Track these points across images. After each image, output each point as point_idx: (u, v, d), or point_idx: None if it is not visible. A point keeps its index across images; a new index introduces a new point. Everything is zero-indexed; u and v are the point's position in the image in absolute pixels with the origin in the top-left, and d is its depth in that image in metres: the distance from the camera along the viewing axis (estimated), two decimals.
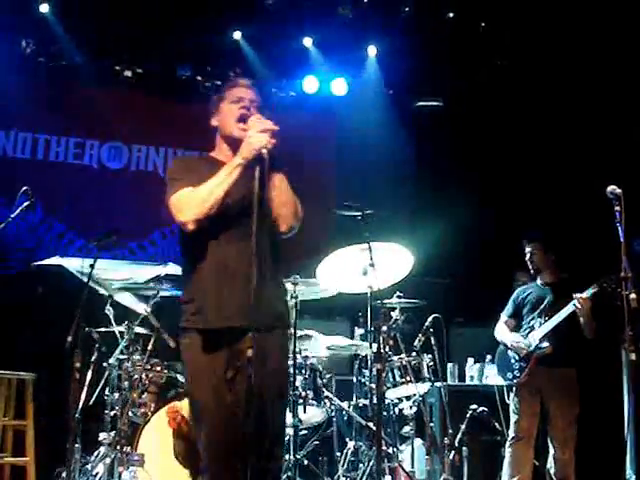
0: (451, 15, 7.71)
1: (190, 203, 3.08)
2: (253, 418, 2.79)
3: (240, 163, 3.08)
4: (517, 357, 5.41)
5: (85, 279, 4.78)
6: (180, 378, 4.96)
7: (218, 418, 3.04)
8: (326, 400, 5.24)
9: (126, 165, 8.21)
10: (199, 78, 8.18)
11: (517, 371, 5.39)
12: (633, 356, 3.43)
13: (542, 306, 5.41)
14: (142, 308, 5.17)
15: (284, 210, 3.17)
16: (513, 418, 5.42)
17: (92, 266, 4.80)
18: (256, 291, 2.89)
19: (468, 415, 5.68)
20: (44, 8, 7.35)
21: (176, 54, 7.99)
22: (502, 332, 5.62)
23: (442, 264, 7.44)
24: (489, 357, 6.54)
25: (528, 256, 5.55)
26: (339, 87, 8.26)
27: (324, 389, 5.26)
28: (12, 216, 5.64)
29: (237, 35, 7.81)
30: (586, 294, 5.13)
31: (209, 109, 3.43)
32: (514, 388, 5.44)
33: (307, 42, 7.97)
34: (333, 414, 5.33)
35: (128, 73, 7.96)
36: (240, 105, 3.29)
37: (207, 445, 3.07)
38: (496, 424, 5.63)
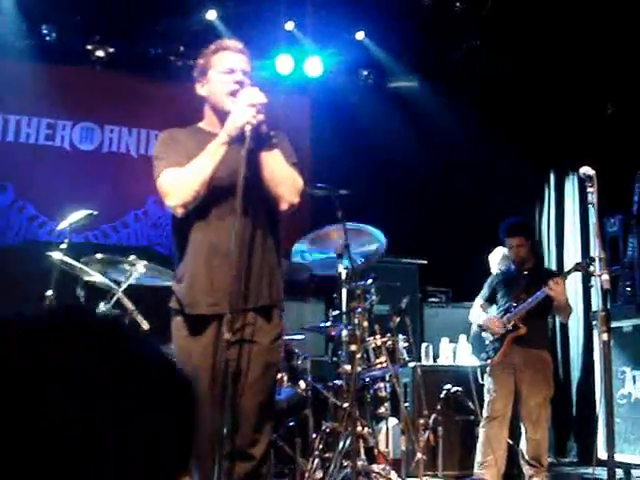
0: None
1: (176, 187, 2.97)
2: (230, 408, 2.76)
3: (224, 141, 2.96)
4: (491, 337, 5.45)
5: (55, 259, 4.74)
6: None
7: (200, 404, 2.96)
8: (300, 381, 5.24)
9: (98, 146, 8.10)
10: (172, 58, 8.08)
11: (491, 351, 5.44)
12: (605, 336, 3.45)
13: (517, 290, 5.46)
14: (115, 289, 5.11)
15: (281, 188, 3.04)
16: (487, 398, 5.47)
17: (64, 247, 4.76)
18: (240, 273, 2.86)
19: (443, 395, 5.72)
20: None
21: (149, 33, 7.86)
22: (477, 314, 5.67)
23: (417, 245, 7.44)
24: (463, 337, 6.58)
25: (513, 249, 5.56)
26: (314, 67, 8.14)
27: (298, 370, 5.24)
28: None
29: (212, 14, 7.67)
30: (559, 278, 5.18)
31: (193, 75, 3.25)
32: (488, 368, 5.49)
33: (287, 24, 7.85)
34: (308, 395, 5.32)
35: (100, 52, 7.83)
36: (232, 78, 3.11)
37: None
38: (470, 404, 5.67)
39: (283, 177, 3.06)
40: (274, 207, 3.10)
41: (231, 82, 3.11)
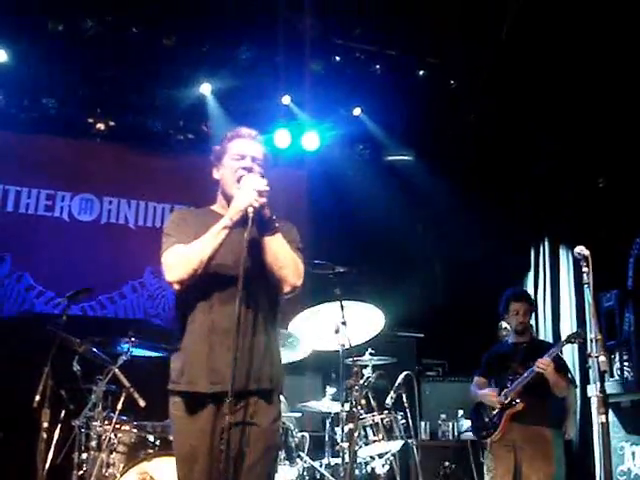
0: (421, 73, 7.83)
1: (176, 263, 3.04)
2: None
3: (226, 225, 3.02)
4: (490, 414, 5.41)
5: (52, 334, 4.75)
6: (150, 438, 4.88)
7: None
8: (298, 460, 5.18)
9: (97, 217, 8.17)
10: (171, 131, 8.22)
11: (491, 428, 5.38)
12: (603, 418, 3.45)
13: (513, 364, 5.45)
14: (111, 364, 5.10)
15: (284, 272, 3.10)
16: (487, 476, 5.40)
17: (62, 323, 4.78)
18: (242, 355, 2.87)
19: (441, 473, 5.65)
20: (2, 57, 7.19)
21: (149, 107, 8.01)
22: (475, 390, 5.64)
23: (415, 320, 7.45)
24: (461, 412, 6.54)
25: (515, 314, 5.57)
26: (311, 141, 8.27)
27: (295, 448, 5.19)
28: None
29: (206, 89, 7.80)
30: (547, 356, 5.18)
31: (211, 160, 3.33)
32: (488, 445, 5.43)
33: (284, 99, 8.00)
34: (304, 473, 5.26)
35: (101, 125, 7.97)
36: (241, 164, 3.21)
37: None
38: None
39: (285, 261, 3.11)
40: (276, 290, 3.15)
41: (239, 168, 3.20)
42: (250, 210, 2.99)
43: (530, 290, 7.87)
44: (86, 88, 7.80)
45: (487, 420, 5.43)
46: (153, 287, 8.01)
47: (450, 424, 6.63)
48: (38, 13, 6.97)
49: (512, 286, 5.96)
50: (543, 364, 5.13)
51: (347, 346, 4.76)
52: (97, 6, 6.96)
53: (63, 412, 5.06)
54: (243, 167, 3.20)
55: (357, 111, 8.16)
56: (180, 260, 3.03)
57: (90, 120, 7.98)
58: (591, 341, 3.76)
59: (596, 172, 7.52)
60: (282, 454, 5.03)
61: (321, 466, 5.38)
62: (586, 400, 6.82)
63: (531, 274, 8.17)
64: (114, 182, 8.17)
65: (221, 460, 2.83)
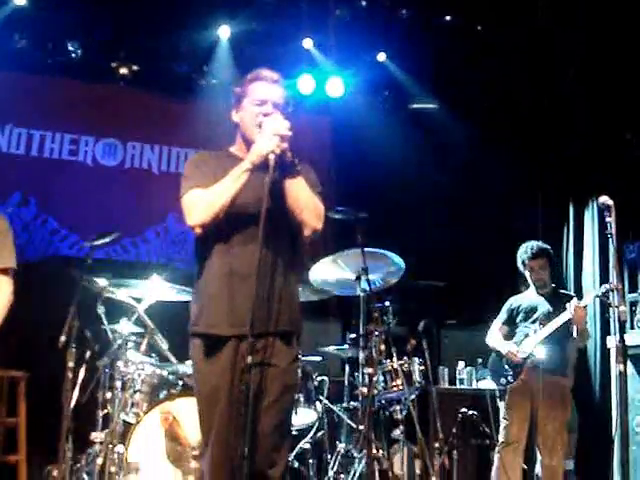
0: (448, 18, 7.70)
1: (197, 207, 3.05)
2: (249, 431, 2.80)
3: (247, 168, 3.03)
4: (510, 363, 5.45)
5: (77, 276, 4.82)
6: (172, 379, 4.97)
7: (219, 426, 3.00)
8: (317, 402, 5.26)
9: (121, 162, 8.18)
10: (195, 76, 8.17)
11: (510, 376, 5.42)
12: (621, 368, 3.47)
13: (536, 315, 5.47)
14: (135, 307, 5.18)
15: (305, 215, 3.11)
16: (503, 423, 5.47)
17: (87, 265, 4.84)
18: (259, 298, 2.90)
19: (459, 419, 5.71)
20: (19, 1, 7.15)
21: (172, 52, 7.96)
22: (495, 339, 5.66)
23: (435, 267, 7.44)
24: (480, 360, 6.58)
25: (534, 270, 5.56)
26: (335, 87, 8.20)
27: (315, 392, 5.27)
28: (8, 211, 5.69)
29: (225, 32, 7.73)
30: (583, 302, 5.19)
31: (231, 101, 3.30)
32: (506, 393, 5.47)
33: (307, 43, 7.92)
34: (323, 416, 5.35)
35: (124, 70, 7.94)
36: (262, 110, 3.17)
37: (207, 450, 3.05)
38: (486, 428, 5.66)
39: (306, 204, 3.12)
40: (297, 233, 3.17)
41: (260, 114, 3.17)
42: (271, 157, 2.99)
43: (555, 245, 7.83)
44: (109, 32, 7.76)
45: (507, 368, 5.46)
46: (176, 232, 8.07)
47: (468, 371, 6.67)
48: None
49: (535, 238, 5.91)
50: (579, 309, 5.13)
51: (368, 292, 4.80)
52: None
53: (88, 353, 5.15)
54: (264, 113, 3.17)
55: (382, 56, 8.06)
56: (201, 204, 3.05)
57: (113, 64, 7.94)
58: (612, 291, 3.75)
59: (623, 126, 7.41)
60: (301, 397, 5.11)
61: (340, 410, 5.47)
62: (605, 351, 6.83)
63: (557, 231, 8.09)
64: (137, 127, 8.16)
65: (241, 400, 2.87)
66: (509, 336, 5.63)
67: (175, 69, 8.04)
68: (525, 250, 5.62)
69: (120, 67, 7.95)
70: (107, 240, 5.05)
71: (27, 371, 5.62)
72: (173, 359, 5.08)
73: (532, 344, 5.35)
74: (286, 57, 7.88)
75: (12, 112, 7.77)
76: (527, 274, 5.67)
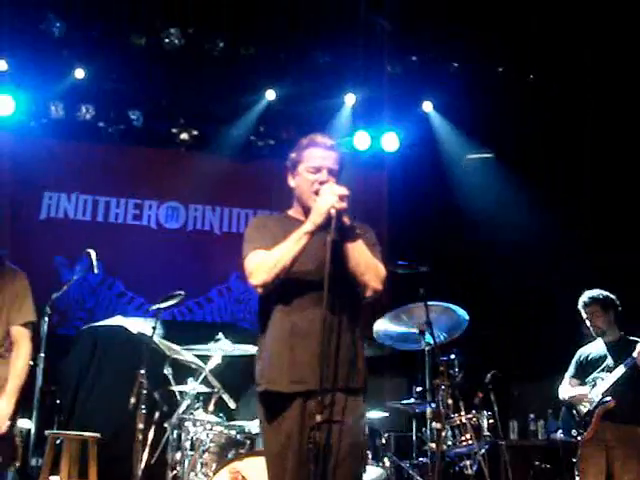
0: (500, 69, 7.75)
1: (259, 268, 3.09)
2: None
3: (308, 230, 3.06)
4: (581, 414, 5.32)
5: (146, 339, 4.92)
6: (241, 438, 4.99)
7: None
8: (385, 459, 5.21)
9: (183, 224, 8.40)
10: (252, 138, 8.36)
11: (582, 428, 5.29)
12: None
13: (604, 364, 5.34)
14: (202, 367, 5.24)
15: (366, 277, 3.13)
16: (578, 477, 5.31)
17: (154, 328, 4.93)
18: (325, 357, 2.92)
19: (531, 473, 5.58)
20: (79, 74, 7.50)
21: (229, 115, 8.18)
22: (566, 389, 5.54)
23: (500, 319, 7.35)
24: (550, 411, 6.44)
25: (589, 319, 5.48)
26: (390, 142, 8.30)
27: (383, 448, 5.22)
28: (75, 277, 5.85)
29: (270, 95, 7.94)
30: None
31: (286, 167, 3.35)
32: (579, 445, 5.33)
33: (350, 99, 8.07)
34: (392, 473, 5.28)
35: (184, 135, 8.18)
36: (318, 177, 3.21)
37: None
38: None
39: (367, 267, 3.15)
40: (358, 294, 3.20)
41: (316, 182, 3.22)
42: (332, 211, 3.02)
43: None
44: (169, 99, 8.05)
45: (578, 420, 5.33)
46: (239, 291, 8.17)
47: (539, 424, 6.53)
48: (121, 29, 7.25)
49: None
50: None
51: (432, 346, 4.77)
52: (178, 19, 7.18)
53: (157, 414, 5.22)
54: (320, 182, 3.20)
55: (429, 107, 8.15)
56: (263, 264, 3.09)
57: (174, 130, 8.20)
58: None
59: None
60: (369, 454, 5.06)
61: (409, 466, 5.40)
62: None
63: None
64: (198, 190, 8.36)
65: (310, 458, 2.88)
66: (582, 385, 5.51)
67: (232, 132, 8.24)
68: (580, 298, 5.56)
69: (180, 132, 8.21)
70: (172, 302, 5.15)
71: (97, 433, 5.69)
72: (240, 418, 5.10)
73: (600, 391, 5.22)
74: (339, 115, 8.02)
75: (78, 180, 8.08)
76: (587, 322, 5.59)
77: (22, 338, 4.07)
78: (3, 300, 4.05)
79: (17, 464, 5.24)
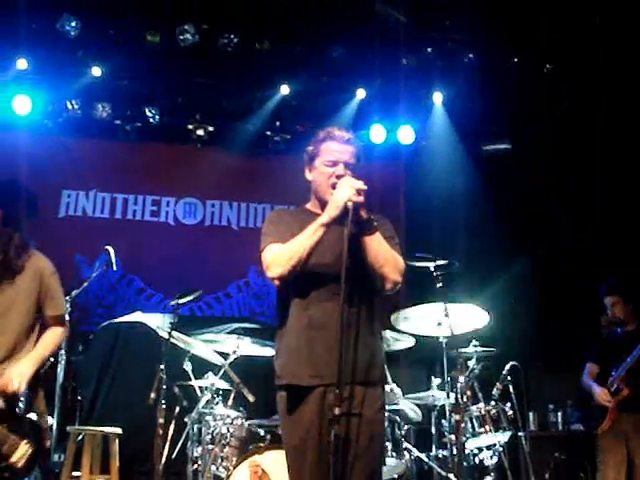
0: (515, 60, 7.71)
1: (276, 260, 3.11)
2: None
3: (324, 222, 3.07)
4: (598, 404, 5.31)
5: (165, 334, 4.95)
6: (261, 432, 5.01)
7: (309, 478, 3.02)
8: (405, 452, 5.21)
9: (201, 220, 8.43)
10: (269, 133, 8.38)
11: (599, 418, 5.27)
12: None
13: (622, 354, 5.32)
14: (221, 362, 5.27)
15: (385, 270, 3.15)
16: (599, 467, 5.30)
17: (173, 323, 4.97)
18: (343, 350, 2.91)
19: (551, 464, 5.56)
20: (96, 72, 7.52)
21: (244, 110, 8.19)
22: (589, 381, 5.52)
23: (519, 311, 7.31)
24: (570, 402, 6.41)
25: (609, 308, 5.46)
26: (406, 135, 8.29)
27: (403, 440, 5.22)
28: (94, 274, 5.89)
29: (285, 89, 7.93)
30: None
31: (304, 160, 3.37)
32: (598, 436, 5.31)
33: (360, 94, 8.07)
34: (412, 466, 5.28)
35: (200, 131, 8.21)
36: (334, 172, 3.22)
37: None
38: (581, 473, 5.50)
39: (386, 259, 3.16)
40: (377, 286, 3.20)
41: (333, 176, 3.23)
42: (349, 204, 3.03)
43: None
44: (184, 96, 8.08)
45: (595, 410, 5.32)
46: (258, 286, 8.20)
47: (559, 414, 6.51)
48: (136, 27, 7.29)
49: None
50: None
51: (450, 336, 4.76)
52: (192, 15, 7.20)
53: (177, 409, 5.25)
54: (337, 175, 3.21)
55: (438, 98, 8.14)
56: (280, 257, 3.11)
57: (190, 126, 8.23)
58: None
59: None
60: (389, 446, 5.07)
61: (428, 458, 5.39)
62: None
63: None
64: (215, 185, 8.41)
65: (330, 451, 2.89)
66: (602, 374, 5.48)
67: (248, 127, 8.25)
68: (603, 286, 5.54)
69: (196, 129, 8.23)
70: (191, 298, 5.18)
71: (119, 428, 5.74)
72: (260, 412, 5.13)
73: (615, 381, 5.20)
74: (357, 108, 8.01)
75: (95, 178, 8.13)
76: (607, 311, 5.57)
77: (57, 325, 4.05)
78: (29, 288, 3.98)
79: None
